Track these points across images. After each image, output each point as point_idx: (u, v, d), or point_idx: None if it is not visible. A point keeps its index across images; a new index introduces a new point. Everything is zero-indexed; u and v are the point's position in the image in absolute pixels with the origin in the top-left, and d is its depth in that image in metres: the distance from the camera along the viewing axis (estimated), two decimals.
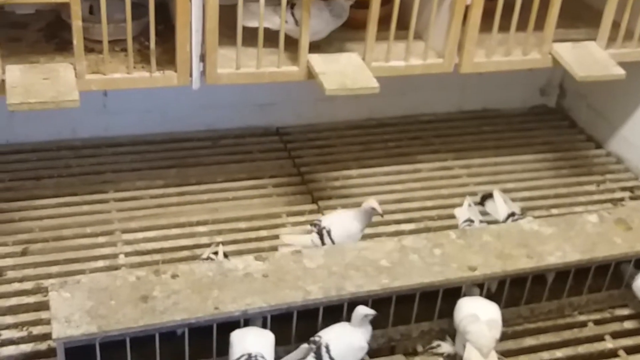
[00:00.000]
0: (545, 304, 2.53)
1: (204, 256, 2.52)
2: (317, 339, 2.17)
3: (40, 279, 2.47)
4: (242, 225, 2.85)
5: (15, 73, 2.39)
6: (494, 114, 3.78)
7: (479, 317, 2.24)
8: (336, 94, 2.56)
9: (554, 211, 3.06)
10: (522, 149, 3.50)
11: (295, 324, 2.24)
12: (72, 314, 2.04)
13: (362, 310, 2.18)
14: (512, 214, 2.77)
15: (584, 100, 3.69)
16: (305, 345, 2.16)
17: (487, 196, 2.90)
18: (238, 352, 2.06)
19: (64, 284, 2.15)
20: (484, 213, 2.88)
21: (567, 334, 2.49)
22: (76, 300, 2.09)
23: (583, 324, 2.54)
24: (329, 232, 2.49)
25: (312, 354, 2.14)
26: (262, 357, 2.05)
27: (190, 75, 2.56)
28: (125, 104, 3.25)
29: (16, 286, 2.46)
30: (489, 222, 2.75)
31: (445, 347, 2.37)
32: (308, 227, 2.58)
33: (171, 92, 3.13)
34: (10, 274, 2.51)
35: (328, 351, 2.15)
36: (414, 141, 3.51)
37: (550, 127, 3.73)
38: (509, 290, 2.47)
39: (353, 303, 2.26)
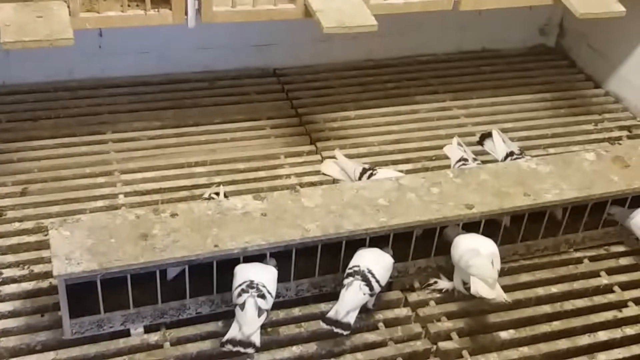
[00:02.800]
0: (541, 241, 2.56)
1: (205, 196, 2.54)
2: (356, 268, 2.20)
3: (40, 219, 2.49)
4: (241, 166, 2.85)
5: (8, 11, 2.36)
6: (493, 54, 3.75)
7: (480, 251, 2.26)
8: (334, 32, 2.53)
9: (552, 150, 3.07)
10: (520, 89, 3.49)
11: (294, 262, 2.27)
12: (72, 252, 2.06)
13: None
14: (511, 154, 2.78)
15: (584, 39, 3.66)
16: (349, 279, 2.19)
17: (486, 135, 2.91)
18: (240, 280, 2.10)
19: (64, 223, 2.16)
20: (482, 152, 2.89)
21: (562, 270, 2.52)
22: (76, 238, 2.11)
23: (579, 261, 2.57)
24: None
25: (360, 282, 2.17)
26: (264, 286, 2.08)
27: (186, 13, 2.53)
28: (122, 45, 3.21)
29: (16, 226, 2.47)
30: (487, 162, 2.75)
31: (443, 284, 2.41)
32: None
33: (168, 33, 3.10)
34: (11, 214, 2.52)
35: (373, 275, 2.19)
36: (412, 82, 3.50)
37: (549, 66, 3.70)
38: (505, 228, 2.49)
39: (351, 241, 2.29)
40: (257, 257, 2.19)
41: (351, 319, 2.15)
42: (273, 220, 2.25)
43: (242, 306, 2.07)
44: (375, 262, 2.24)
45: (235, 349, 2.04)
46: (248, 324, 2.04)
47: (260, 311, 2.06)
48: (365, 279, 2.18)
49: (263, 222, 2.24)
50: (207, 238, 2.16)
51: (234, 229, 2.20)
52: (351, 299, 2.16)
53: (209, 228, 2.19)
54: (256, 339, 2.04)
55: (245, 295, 2.07)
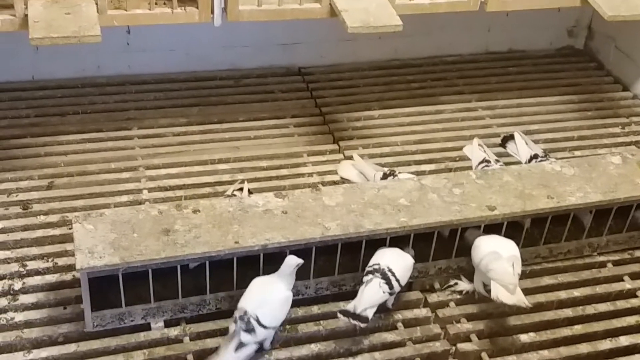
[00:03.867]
0: (564, 244, 2.53)
1: (228, 192, 2.56)
2: (376, 266, 2.21)
3: (65, 212, 2.53)
4: (264, 163, 2.87)
5: (37, 8, 2.40)
6: (519, 55, 3.73)
7: (500, 254, 2.25)
8: (359, 31, 2.54)
9: (578, 153, 3.03)
10: (547, 91, 3.46)
11: (314, 260, 2.28)
12: (95, 246, 2.09)
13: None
14: (535, 156, 2.75)
15: (612, 42, 3.62)
16: (369, 276, 2.19)
17: (508, 138, 2.88)
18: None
19: (88, 217, 2.20)
20: (505, 154, 2.87)
21: (585, 274, 2.49)
22: (99, 232, 2.14)
23: (602, 265, 2.55)
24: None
25: (380, 280, 2.18)
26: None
27: (212, 12, 2.55)
28: (149, 42, 3.25)
29: (42, 219, 2.51)
30: (510, 164, 2.73)
31: (463, 285, 2.40)
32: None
33: (194, 31, 3.14)
34: (36, 207, 2.56)
35: (393, 274, 2.19)
36: (437, 82, 3.49)
37: (577, 68, 3.67)
38: (528, 230, 2.47)
39: (371, 240, 2.29)
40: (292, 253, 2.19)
41: (369, 314, 2.14)
42: (294, 218, 2.26)
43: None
44: (396, 261, 2.24)
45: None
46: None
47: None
48: (385, 277, 2.18)
49: (284, 219, 2.25)
50: (228, 234, 2.18)
51: (255, 226, 2.21)
52: (370, 296, 2.16)
53: (230, 224, 2.21)
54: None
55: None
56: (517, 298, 2.18)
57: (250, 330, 2.04)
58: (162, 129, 3.01)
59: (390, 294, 2.21)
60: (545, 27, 3.72)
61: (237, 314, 2.07)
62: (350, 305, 2.15)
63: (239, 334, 2.04)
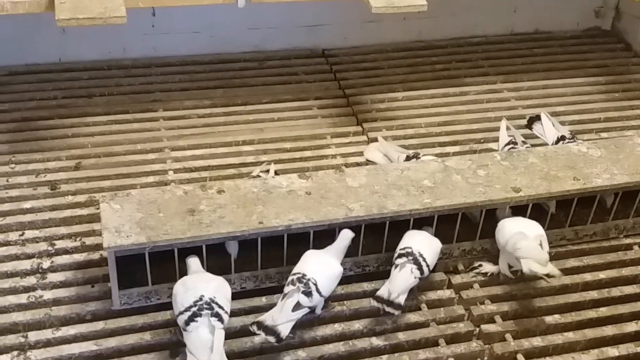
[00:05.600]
0: (590, 226, 2.51)
1: (254, 174, 2.57)
2: (408, 250, 2.21)
3: (92, 193, 2.56)
4: (287, 145, 2.88)
5: None
6: (546, 37, 3.68)
7: (526, 234, 2.24)
8: (383, 12, 2.52)
9: (604, 135, 3.00)
10: (573, 72, 3.42)
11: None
12: (122, 225, 2.12)
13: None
14: (562, 138, 2.73)
15: None
16: (402, 260, 2.20)
17: (535, 119, 2.86)
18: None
19: (114, 197, 2.22)
20: (531, 136, 2.85)
21: (611, 257, 2.47)
22: (126, 212, 2.16)
23: (628, 247, 2.52)
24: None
25: (412, 265, 2.18)
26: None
27: None
28: (174, 24, 3.26)
29: (70, 199, 2.55)
30: (537, 146, 2.71)
31: (488, 267, 2.39)
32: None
33: (219, 12, 3.15)
34: (64, 187, 2.60)
35: (424, 259, 2.20)
36: (462, 64, 3.46)
37: (604, 49, 3.62)
38: (554, 213, 2.46)
39: (395, 222, 2.29)
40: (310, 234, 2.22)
41: (402, 300, 2.15)
42: (317, 199, 2.27)
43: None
44: (427, 245, 2.24)
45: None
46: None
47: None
48: (417, 263, 2.19)
49: (307, 200, 2.26)
50: (252, 215, 2.19)
51: (279, 207, 2.22)
52: (403, 282, 2.17)
53: (254, 205, 2.23)
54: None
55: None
56: (549, 268, 2.18)
57: (308, 293, 2.07)
58: (187, 111, 3.03)
59: (420, 279, 2.22)
60: (571, 7, 3.67)
61: (294, 277, 2.10)
62: (383, 290, 2.16)
63: (297, 294, 2.06)
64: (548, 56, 3.54)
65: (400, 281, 2.16)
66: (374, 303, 2.16)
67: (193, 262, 2.14)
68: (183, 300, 1.99)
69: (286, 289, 2.09)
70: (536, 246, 2.21)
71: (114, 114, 2.97)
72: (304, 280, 2.08)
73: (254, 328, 2.03)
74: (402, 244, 2.24)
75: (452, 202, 2.31)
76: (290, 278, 2.11)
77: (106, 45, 3.22)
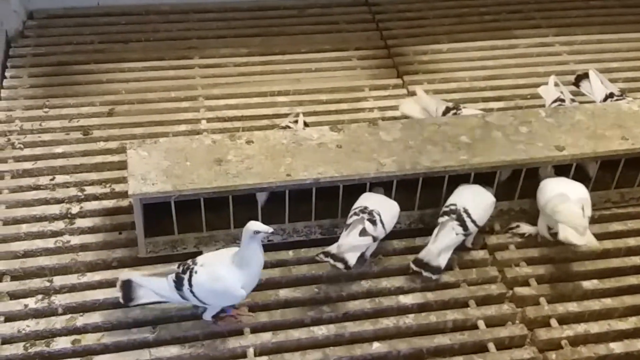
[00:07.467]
0: (637, 189, 2.38)
1: (283, 124, 2.51)
2: (452, 207, 2.13)
3: (124, 139, 2.53)
4: (323, 97, 2.80)
5: None
6: None
7: (568, 196, 2.13)
8: None
9: None
10: (630, 27, 3.23)
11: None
12: (148, 172, 2.09)
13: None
14: (611, 95, 2.58)
15: None
16: (444, 218, 2.13)
17: (582, 76, 2.70)
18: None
19: (142, 144, 2.19)
20: (580, 94, 2.70)
21: None
22: (153, 159, 2.13)
23: None
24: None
25: (454, 222, 2.11)
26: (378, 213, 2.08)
27: None
28: None
29: (101, 145, 2.53)
30: (584, 103, 2.57)
31: (525, 228, 2.29)
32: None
33: None
34: (96, 133, 2.58)
35: (469, 215, 2.12)
36: (513, 15, 3.31)
37: None
38: (599, 173, 2.33)
39: (428, 179, 2.21)
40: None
41: (442, 261, 2.09)
42: (348, 152, 2.19)
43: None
44: (474, 200, 2.15)
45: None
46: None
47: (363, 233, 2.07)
48: (459, 219, 2.11)
49: (338, 153, 2.19)
50: (280, 167, 2.13)
51: (308, 159, 2.16)
52: (443, 241, 2.10)
53: (283, 157, 2.17)
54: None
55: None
56: (587, 239, 2.07)
57: (373, 221, 2.05)
58: (223, 59, 2.97)
59: (465, 235, 2.14)
60: None
61: (357, 209, 2.09)
62: (423, 252, 2.10)
63: (362, 223, 2.05)
64: (604, 9, 3.36)
65: (439, 241, 2.10)
66: (413, 267, 2.10)
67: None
68: None
69: (349, 221, 2.07)
70: (577, 211, 2.10)
71: (149, 60, 2.93)
72: (367, 210, 2.06)
73: (321, 256, 2.04)
74: (448, 201, 2.17)
75: (489, 159, 2.21)
76: (352, 212, 2.09)
77: None
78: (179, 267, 1.92)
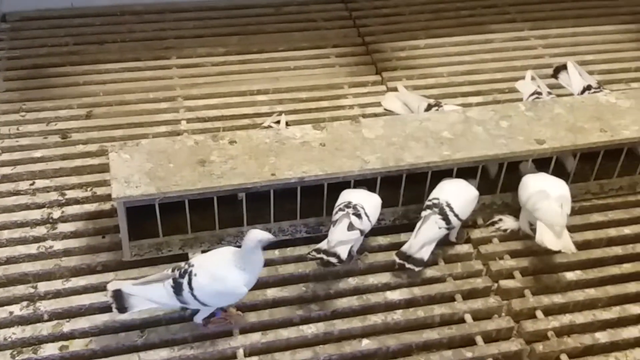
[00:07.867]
0: (616, 180, 2.42)
1: (265, 124, 2.50)
2: (435, 201, 2.15)
3: (104, 142, 2.51)
4: (303, 95, 2.79)
5: None
6: None
7: (548, 193, 2.16)
8: None
9: (634, 85, 2.88)
10: (604, 19, 3.28)
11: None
12: (131, 175, 2.07)
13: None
14: (588, 87, 2.62)
15: None
16: (427, 212, 2.14)
17: (561, 68, 2.74)
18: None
19: (124, 146, 2.17)
20: (557, 86, 2.73)
21: (637, 211, 2.39)
22: (135, 162, 2.11)
23: None
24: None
25: (436, 216, 2.12)
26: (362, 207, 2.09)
27: None
28: None
29: (81, 148, 2.50)
30: (563, 96, 2.60)
31: (508, 222, 2.31)
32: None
33: None
34: (75, 136, 2.55)
35: (451, 209, 2.13)
36: (488, 9, 3.33)
37: None
38: (579, 166, 2.36)
39: (412, 174, 2.22)
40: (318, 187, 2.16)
41: (425, 254, 2.11)
42: (332, 150, 2.20)
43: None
44: (457, 194, 2.17)
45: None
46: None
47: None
48: (442, 213, 2.12)
49: (321, 152, 2.19)
50: (265, 166, 2.13)
51: (292, 158, 2.16)
52: (425, 234, 2.11)
53: (266, 156, 2.16)
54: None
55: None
56: (563, 243, 2.10)
57: (358, 215, 2.06)
58: (200, 59, 2.95)
59: (448, 229, 2.15)
60: None
61: (342, 205, 2.09)
62: (406, 245, 2.11)
63: (348, 218, 2.06)
64: (578, 2, 3.40)
65: (422, 234, 2.11)
66: (396, 259, 2.11)
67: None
68: None
69: (335, 217, 2.07)
70: (557, 209, 2.13)
71: (126, 61, 2.90)
72: (351, 205, 2.07)
73: (313, 254, 2.04)
74: (431, 195, 2.19)
75: (471, 154, 2.22)
76: (337, 208, 2.10)
77: None
78: (173, 272, 1.90)
